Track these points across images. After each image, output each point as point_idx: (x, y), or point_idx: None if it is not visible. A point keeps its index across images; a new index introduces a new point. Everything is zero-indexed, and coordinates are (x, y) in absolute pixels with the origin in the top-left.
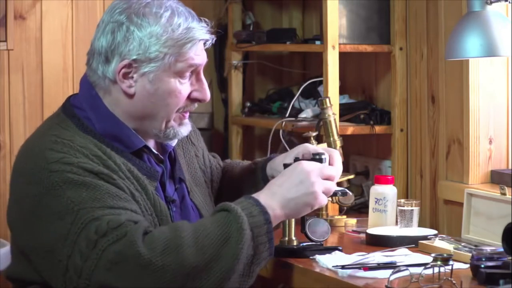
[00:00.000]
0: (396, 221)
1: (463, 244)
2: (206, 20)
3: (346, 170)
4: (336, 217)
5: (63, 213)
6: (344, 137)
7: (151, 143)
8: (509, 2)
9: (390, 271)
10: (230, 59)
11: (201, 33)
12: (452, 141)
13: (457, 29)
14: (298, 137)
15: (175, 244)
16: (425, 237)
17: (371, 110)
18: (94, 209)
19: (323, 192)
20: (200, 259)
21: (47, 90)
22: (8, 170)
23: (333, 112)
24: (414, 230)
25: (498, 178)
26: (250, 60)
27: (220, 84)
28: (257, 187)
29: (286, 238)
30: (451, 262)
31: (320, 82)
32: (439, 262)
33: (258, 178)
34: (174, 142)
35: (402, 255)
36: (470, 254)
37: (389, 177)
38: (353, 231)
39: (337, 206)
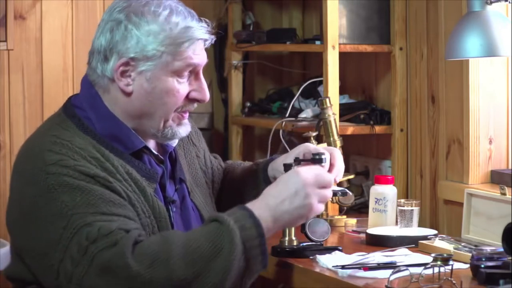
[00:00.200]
0: (396, 221)
1: (463, 244)
2: (207, 20)
3: (346, 170)
4: (336, 217)
5: (57, 217)
6: (344, 137)
7: (151, 144)
8: (509, 2)
9: (390, 271)
10: (230, 59)
11: (200, 33)
12: (452, 141)
13: (457, 29)
14: (298, 137)
15: (164, 257)
16: (425, 237)
17: (371, 110)
18: (87, 214)
19: (319, 201)
20: (189, 272)
21: (47, 90)
22: (8, 170)
23: (333, 112)
24: (414, 230)
25: (498, 178)
26: (250, 60)
27: (220, 84)
28: (258, 188)
29: (286, 238)
30: (451, 262)
31: (320, 82)
32: (439, 262)
33: (260, 179)
34: (174, 143)
35: (402, 255)
36: (470, 254)
37: (389, 177)
38: (353, 231)
39: (337, 206)
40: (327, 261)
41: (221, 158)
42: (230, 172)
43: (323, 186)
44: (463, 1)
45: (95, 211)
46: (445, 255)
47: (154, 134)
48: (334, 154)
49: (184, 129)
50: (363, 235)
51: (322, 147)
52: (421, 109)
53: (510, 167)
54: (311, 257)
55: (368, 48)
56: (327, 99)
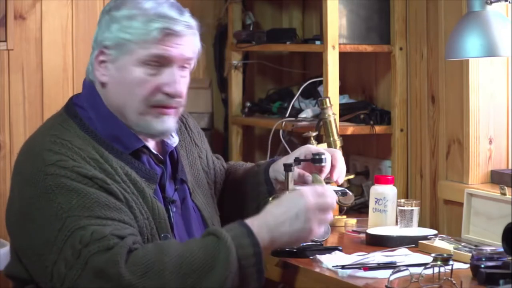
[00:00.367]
0: (396, 221)
1: (463, 244)
2: (191, 15)
3: (346, 170)
4: (336, 217)
5: (53, 219)
6: (344, 137)
7: (151, 144)
8: (509, 2)
9: (390, 271)
10: (230, 59)
11: (170, 24)
12: (452, 141)
13: (457, 29)
14: (298, 137)
15: (157, 269)
16: (425, 237)
17: (371, 110)
18: (82, 217)
19: (320, 225)
20: (181, 286)
21: (47, 90)
22: (8, 170)
23: (333, 112)
24: (414, 230)
25: (498, 178)
26: (250, 60)
27: (220, 84)
28: (259, 189)
29: None
30: (451, 262)
31: (320, 82)
32: (439, 262)
33: (261, 180)
34: (174, 143)
35: (402, 255)
36: (470, 254)
37: (389, 177)
38: (353, 231)
39: (337, 206)
40: (327, 261)
41: (223, 159)
42: (232, 173)
43: (325, 210)
44: (463, 1)
45: (90, 215)
46: (445, 255)
47: (132, 127)
48: (336, 155)
49: (162, 125)
50: (363, 235)
51: (323, 148)
52: (421, 109)
53: (510, 167)
54: (311, 257)
55: (368, 48)
56: (327, 99)
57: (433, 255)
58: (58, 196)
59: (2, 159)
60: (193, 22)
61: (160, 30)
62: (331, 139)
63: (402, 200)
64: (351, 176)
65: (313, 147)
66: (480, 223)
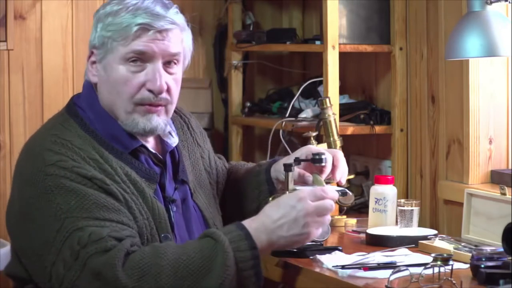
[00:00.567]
0: (396, 221)
1: (463, 244)
2: (178, 13)
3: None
4: (336, 217)
5: (52, 219)
6: (344, 137)
7: (150, 143)
8: (509, 2)
9: (390, 271)
10: (230, 59)
11: (150, 19)
12: (452, 141)
13: (457, 29)
14: (298, 137)
15: (154, 272)
16: (425, 237)
17: (371, 110)
18: (80, 219)
19: (318, 228)
20: None
21: (47, 90)
22: (8, 170)
23: (333, 112)
24: (414, 230)
25: (498, 178)
26: (250, 60)
27: (220, 84)
28: (260, 189)
29: None
30: (451, 262)
31: (320, 82)
32: (439, 262)
33: (262, 180)
34: (174, 142)
35: (402, 255)
36: (470, 254)
37: (389, 177)
38: (353, 231)
39: (337, 206)
40: (327, 261)
41: (225, 159)
42: (233, 173)
43: (324, 213)
44: (463, 1)
45: (88, 216)
46: (445, 255)
47: (122, 126)
48: (337, 156)
49: (148, 123)
50: (363, 235)
51: (324, 149)
52: (421, 109)
53: (510, 167)
54: (311, 257)
55: (368, 48)
56: (327, 99)
57: (433, 255)
58: (57, 197)
59: (2, 159)
60: (178, 18)
61: (139, 26)
62: (331, 139)
63: (402, 200)
64: (351, 176)
65: (314, 148)
66: (480, 223)
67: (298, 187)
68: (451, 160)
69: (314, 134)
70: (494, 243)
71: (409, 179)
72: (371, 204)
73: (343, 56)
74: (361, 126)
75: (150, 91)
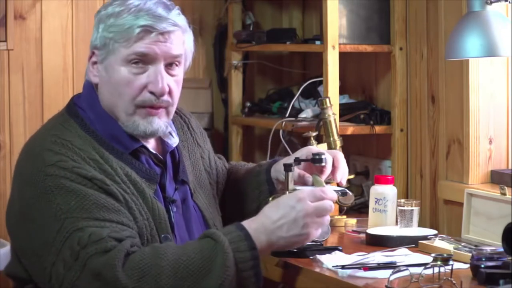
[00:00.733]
0: (396, 221)
1: (463, 244)
2: (180, 14)
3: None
4: (336, 217)
5: (52, 220)
6: (344, 137)
7: (150, 144)
8: (509, 2)
9: (390, 271)
10: (230, 59)
11: (152, 21)
12: (452, 141)
13: (457, 29)
14: (298, 137)
15: (154, 273)
16: (425, 237)
17: (371, 110)
18: (80, 219)
19: (317, 229)
20: None
21: (47, 90)
22: (8, 170)
23: (333, 112)
24: (414, 230)
25: (498, 178)
26: (250, 60)
27: (220, 84)
28: (261, 189)
29: None
30: (451, 262)
31: (320, 82)
32: (439, 262)
33: (263, 180)
34: (174, 143)
35: (402, 255)
36: (470, 254)
37: (389, 177)
38: (353, 231)
39: (337, 206)
40: (327, 261)
41: (225, 159)
42: (233, 173)
43: (323, 214)
44: (463, 1)
45: (88, 216)
46: (445, 255)
47: (123, 128)
48: (338, 157)
49: (149, 126)
50: (363, 235)
51: (324, 150)
52: (421, 109)
53: (510, 167)
54: (311, 257)
55: (368, 48)
56: (327, 99)
57: (433, 255)
58: (57, 197)
59: (2, 159)
60: (180, 20)
61: (142, 27)
62: (331, 139)
63: (402, 200)
64: (351, 176)
65: (314, 148)
66: (480, 223)
67: (298, 187)
68: (451, 160)
69: (314, 134)
70: (494, 243)
71: (409, 179)
72: (371, 204)
73: (343, 56)
74: (361, 126)
75: (151, 93)
